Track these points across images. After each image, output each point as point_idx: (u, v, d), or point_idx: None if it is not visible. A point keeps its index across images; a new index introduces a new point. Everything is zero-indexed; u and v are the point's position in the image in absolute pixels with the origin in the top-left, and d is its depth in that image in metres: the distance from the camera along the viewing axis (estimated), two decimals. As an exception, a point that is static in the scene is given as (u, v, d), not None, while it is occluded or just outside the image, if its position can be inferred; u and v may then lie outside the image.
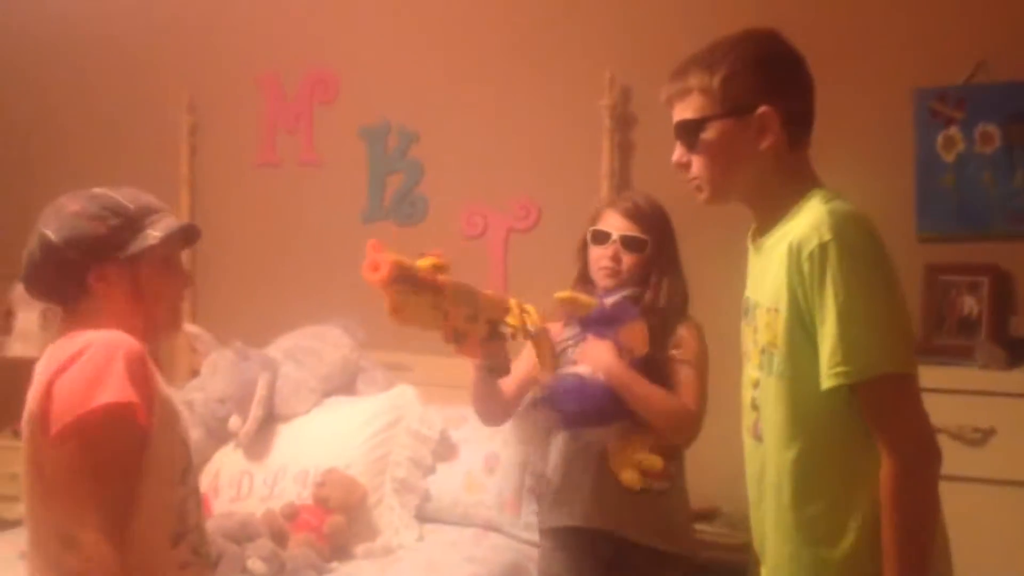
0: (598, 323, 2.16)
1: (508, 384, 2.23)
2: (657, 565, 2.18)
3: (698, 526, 2.86)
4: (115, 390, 1.44)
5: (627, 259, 2.20)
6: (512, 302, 2.05)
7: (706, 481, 2.99)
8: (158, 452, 1.52)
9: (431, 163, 3.44)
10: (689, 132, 1.59)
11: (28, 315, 3.62)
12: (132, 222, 1.60)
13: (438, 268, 1.81)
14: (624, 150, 3.15)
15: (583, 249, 2.28)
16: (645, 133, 3.14)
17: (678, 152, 1.63)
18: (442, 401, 3.02)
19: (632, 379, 2.10)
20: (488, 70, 3.35)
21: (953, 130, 2.77)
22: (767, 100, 1.55)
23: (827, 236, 1.45)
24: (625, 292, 2.18)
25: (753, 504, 1.69)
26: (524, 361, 2.26)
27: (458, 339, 1.87)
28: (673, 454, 2.20)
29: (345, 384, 3.20)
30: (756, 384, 1.61)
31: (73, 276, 1.57)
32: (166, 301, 1.66)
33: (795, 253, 1.48)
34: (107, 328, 1.55)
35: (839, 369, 1.44)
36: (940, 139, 2.78)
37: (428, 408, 3.02)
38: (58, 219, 1.58)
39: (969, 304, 2.67)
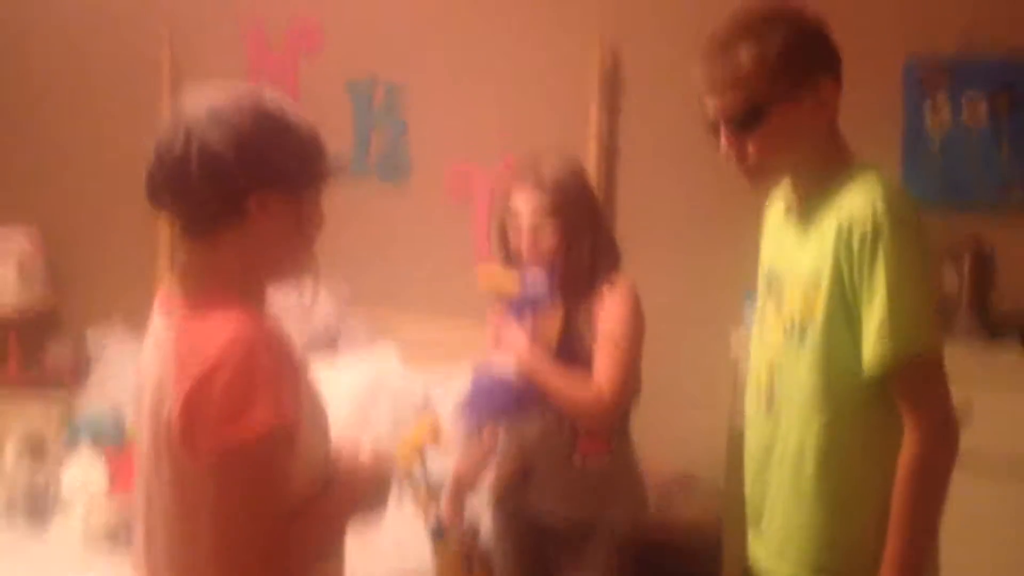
0: (520, 306, 2.08)
1: None
2: (583, 537, 2.12)
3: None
4: (264, 413, 1.23)
5: (545, 237, 2.09)
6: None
7: (682, 450, 3.02)
8: (305, 450, 1.33)
9: (417, 119, 3.40)
10: (748, 118, 1.50)
11: (4, 266, 3.56)
12: (307, 145, 1.37)
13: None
14: (612, 112, 3.13)
15: (503, 224, 2.17)
16: (633, 96, 3.12)
17: (727, 139, 1.53)
18: (425, 360, 3.01)
19: (541, 371, 2.03)
20: (479, 28, 3.30)
21: (941, 101, 2.76)
22: (824, 72, 1.51)
23: (882, 214, 1.44)
24: (540, 277, 2.07)
25: (754, 474, 1.68)
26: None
27: None
28: (613, 428, 2.13)
29: (327, 341, 3.19)
30: (776, 356, 1.60)
31: (232, 198, 1.30)
32: (310, 243, 1.41)
33: (846, 228, 1.46)
34: (243, 264, 1.34)
35: (886, 345, 1.44)
36: (928, 110, 2.77)
37: (410, 369, 3.01)
38: (226, 128, 1.29)
39: (949, 278, 2.67)
